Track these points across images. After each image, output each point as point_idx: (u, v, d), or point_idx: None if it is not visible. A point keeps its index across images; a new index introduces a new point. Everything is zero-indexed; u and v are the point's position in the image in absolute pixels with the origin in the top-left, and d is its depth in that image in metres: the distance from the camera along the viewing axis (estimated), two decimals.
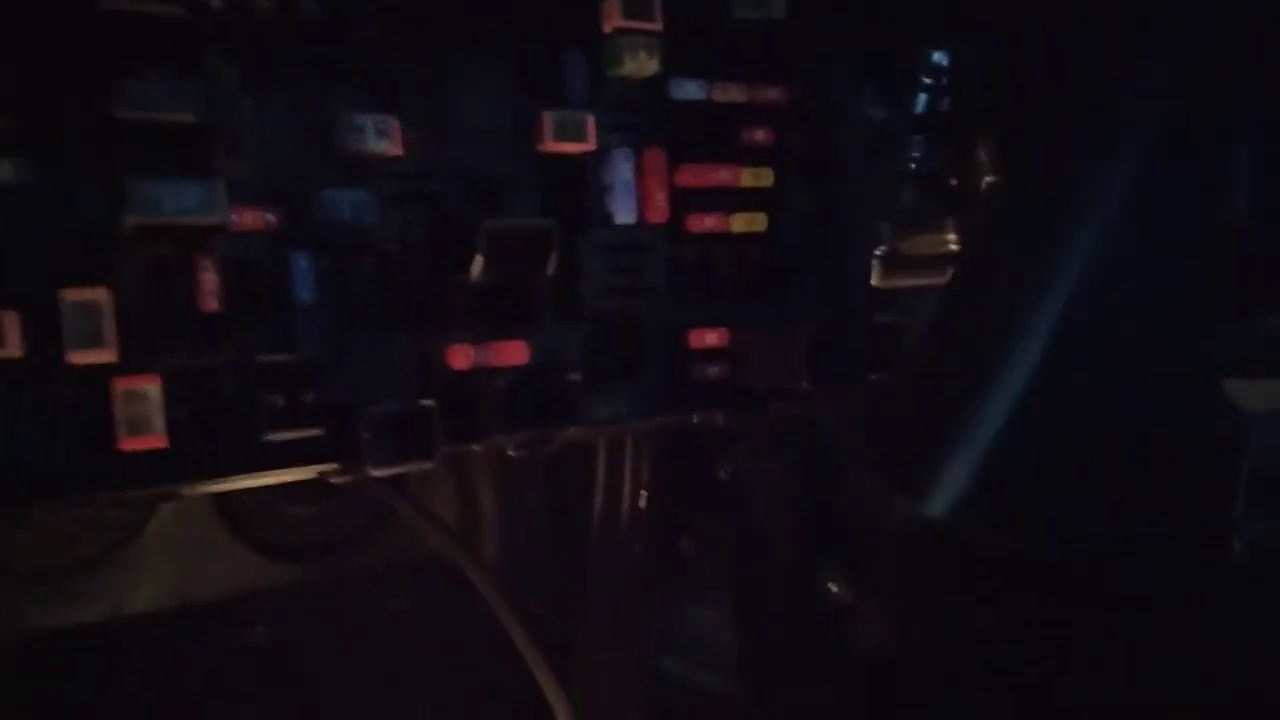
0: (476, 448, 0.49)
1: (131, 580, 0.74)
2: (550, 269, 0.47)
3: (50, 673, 0.73)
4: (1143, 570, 0.52)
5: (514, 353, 0.49)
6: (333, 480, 0.46)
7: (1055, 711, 0.60)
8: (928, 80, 0.69)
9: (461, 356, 0.47)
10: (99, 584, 0.73)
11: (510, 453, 0.50)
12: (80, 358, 0.39)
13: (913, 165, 0.68)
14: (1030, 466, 0.48)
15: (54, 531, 0.71)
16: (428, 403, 0.43)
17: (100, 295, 0.39)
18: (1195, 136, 0.55)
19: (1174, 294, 0.54)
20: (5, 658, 0.71)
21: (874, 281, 0.66)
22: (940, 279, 0.67)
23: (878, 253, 0.66)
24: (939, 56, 0.68)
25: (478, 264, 0.44)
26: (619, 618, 0.88)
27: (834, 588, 0.78)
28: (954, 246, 0.68)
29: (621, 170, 0.52)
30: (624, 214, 0.52)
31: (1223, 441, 0.51)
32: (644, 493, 0.87)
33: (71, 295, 0.38)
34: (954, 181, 0.69)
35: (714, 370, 0.55)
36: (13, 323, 0.38)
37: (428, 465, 0.42)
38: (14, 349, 0.38)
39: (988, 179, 0.67)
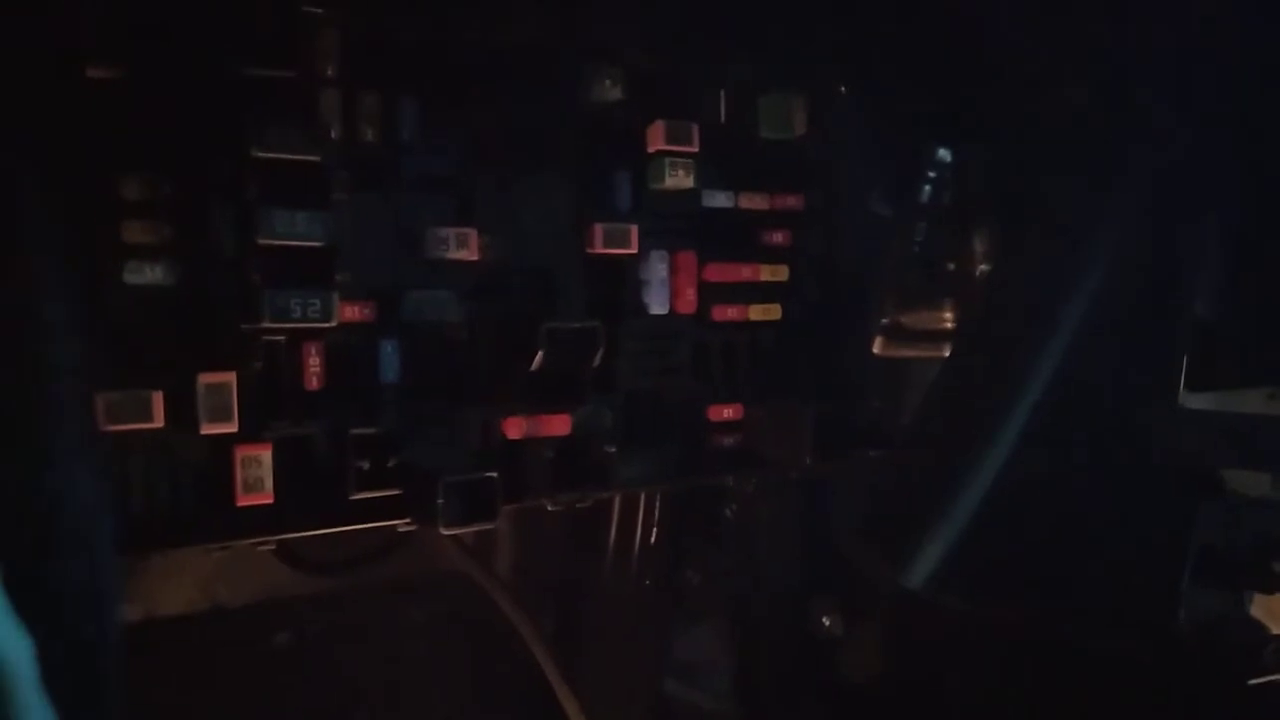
0: (524, 506, 0.56)
1: (166, 585, 0.79)
2: (596, 361, 0.55)
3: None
4: (1094, 632, 0.58)
5: (559, 425, 0.56)
6: (402, 529, 0.54)
7: None
8: (932, 174, 0.76)
9: (515, 427, 0.55)
10: (136, 588, 0.78)
11: (550, 509, 0.58)
12: (210, 429, 0.47)
13: (915, 249, 0.75)
14: (997, 545, 0.54)
15: None
16: (492, 474, 0.50)
17: (229, 379, 0.47)
18: (1163, 239, 0.61)
19: (1137, 384, 0.61)
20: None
21: (876, 350, 0.74)
22: (936, 352, 0.75)
23: (882, 323, 0.73)
24: (943, 153, 0.76)
25: (538, 358, 0.52)
26: (626, 642, 0.93)
27: (827, 621, 0.85)
28: (949, 324, 0.76)
29: (658, 269, 0.60)
30: (658, 306, 0.60)
31: (1171, 523, 0.58)
32: (654, 529, 0.93)
33: (206, 379, 0.46)
34: (951, 265, 0.76)
35: (729, 440, 0.63)
36: (158, 401, 0.45)
37: (490, 525, 0.50)
38: (158, 421, 0.46)
39: (981, 267, 0.74)
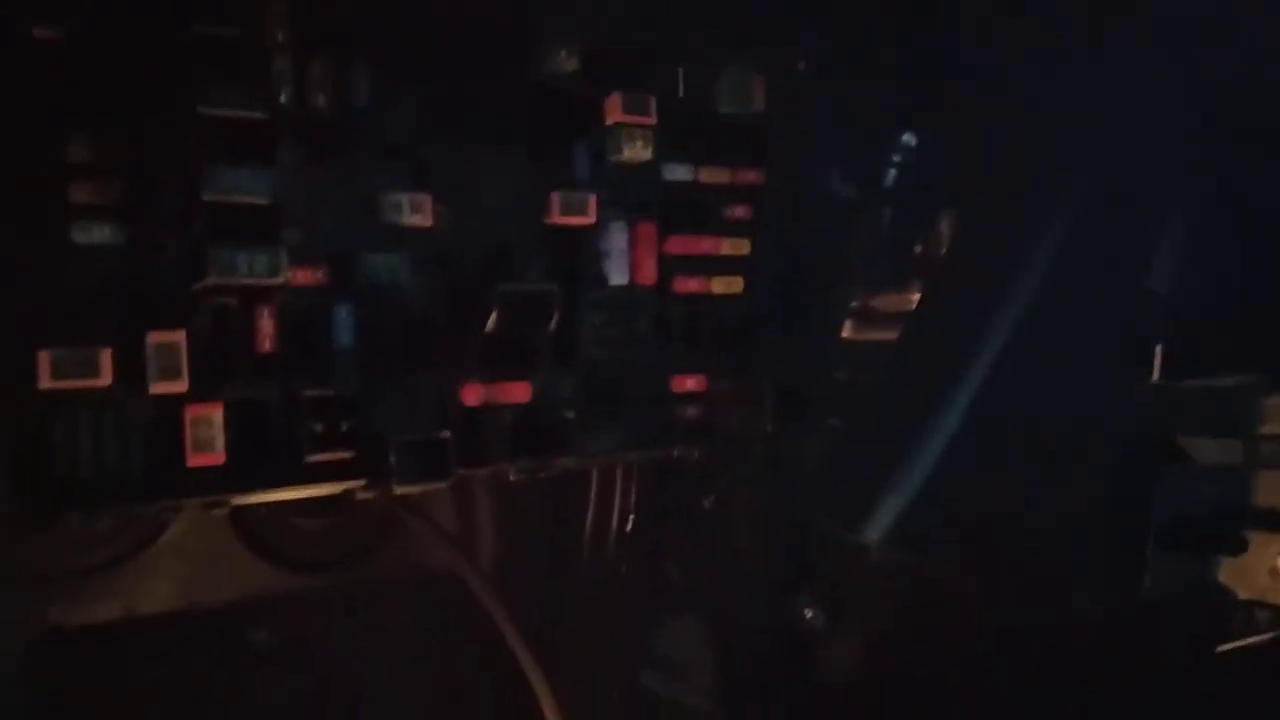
0: (483, 473, 0.56)
1: (145, 583, 0.79)
2: (552, 325, 0.55)
3: (67, 668, 0.77)
4: (1057, 600, 0.58)
5: (518, 392, 0.57)
6: (359, 496, 0.54)
7: None
8: (896, 157, 0.77)
9: (473, 394, 0.55)
10: (113, 585, 0.78)
11: (511, 478, 0.58)
12: (159, 388, 0.47)
13: (881, 232, 0.76)
14: (954, 505, 0.54)
15: (74, 536, 0.76)
16: (445, 434, 0.50)
17: (179, 337, 0.47)
18: (1126, 214, 0.62)
19: (1103, 353, 0.61)
20: (27, 652, 0.76)
21: (845, 334, 0.74)
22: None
23: (850, 307, 0.73)
24: (907, 137, 0.76)
25: (492, 320, 0.52)
26: (604, 634, 0.93)
27: (808, 613, 0.84)
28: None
29: (617, 240, 0.60)
30: (618, 276, 0.60)
31: (1133, 488, 0.58)
32: (631, 518, 0.93)
33: (156, 337, 0.46)
34: (918, 248, 0.76)
35: (692, 411, 0.63)
36: (106, 358, 0.46)
37: (443, 485, 0.50)
38: (106, 379, 0.46)
39: (947, 248, 0.75)
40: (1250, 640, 0.57)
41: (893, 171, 0.76)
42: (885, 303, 0.76)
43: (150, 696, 0.78)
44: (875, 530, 0.53)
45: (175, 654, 0.79)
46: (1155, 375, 0.61)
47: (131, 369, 0.46)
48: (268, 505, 0.82)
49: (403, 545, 0.89)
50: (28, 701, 0.74)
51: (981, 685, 0.67)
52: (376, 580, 0.88)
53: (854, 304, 0.74)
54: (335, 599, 0.87)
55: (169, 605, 0.79)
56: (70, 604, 0.76)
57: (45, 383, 0.44)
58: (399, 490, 0.49)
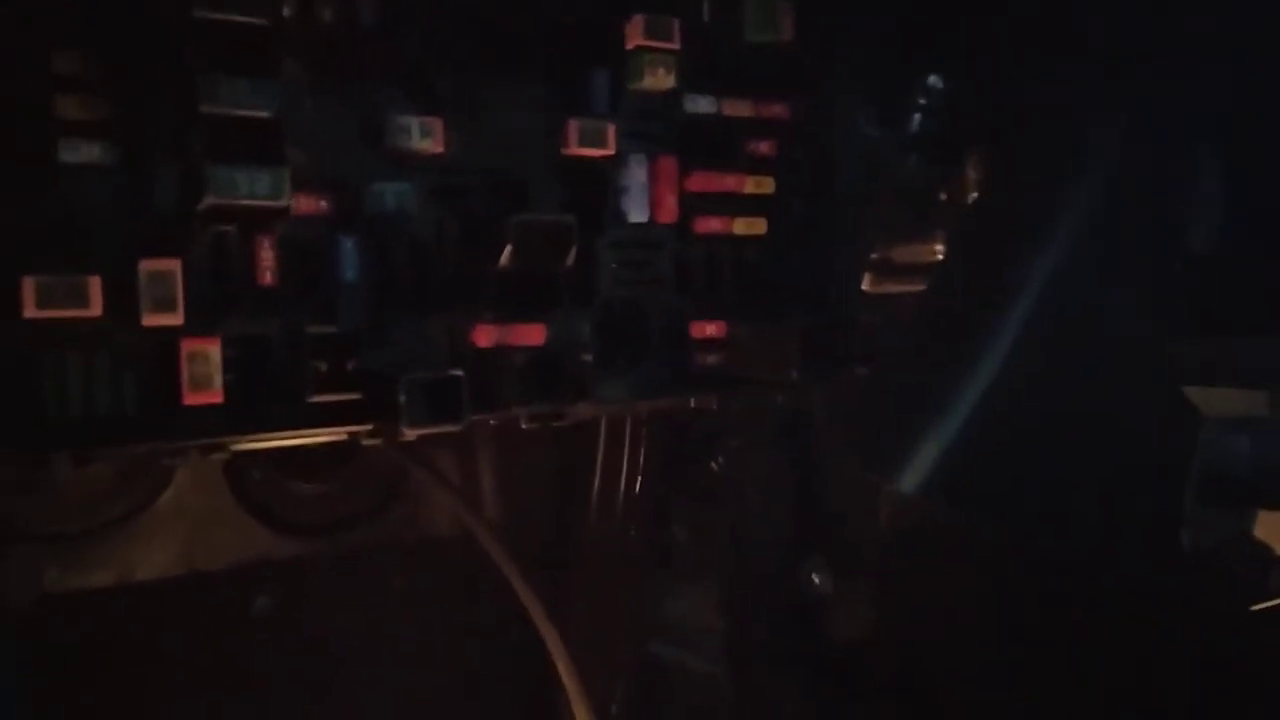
0: (494, 420, 0.54)
1: (143, 548, 0.77)
2: (569, 260, 0.52)
3: (61, 635, 0.76)
4: (1093, 557, 0.57)
5: (532, 334, 0.54)
6: (365, 441, 0.51)
7: (1021, 698, 0.64)
8: (923, 101, 0.73)
9: (485, 335, 0.52)
10: (109, 552, 0.76)
11: (524, 425, 0.55)
12: (152, 320, 0.44)
13: (906, 179, 0.73)
14: (991, 454, 0.52)
15: (70, 499, 0.74)
16: (457, 372, 0.48)
17: (173, 266, 0.44)
18: (1163, 166, 0.60)
19: (1136, 306, 0.59)
20: (20, 618, 0.75)
21: (865, 287, 0.71)
22: (927, 286, 0.72)
23: (872, 258, 0.71)
24: (934, 80, 0.73)
25: (506, 253, 0.49)
26: (611, 598, 0.92)
27: (817, 579, 0.83)
28: (940, 257, 0.73)
29: (636, 174, 0.57)
30: (637, 214, 0.57)
31: (1174, 441, 0.56)
32: (639, 479, 0.91)
33: (148, 265, 0.43)
34: (944, 196, 0.74)
35: (712, 358, 0.60)
36: (95, 286, 0.42)
37: (455, 428, 0.47)
38: (95, 309, 0.42)
39: (974, 195, 0.72)
40: None
41: (917, 116, 0.74)
42: (907, 254, 0.73)
43: (147, 663, 0.77)
44: (911, 480, 0.50)
45: (173, 620, 0.78)
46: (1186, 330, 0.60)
47: (123, 299, 0.43)
48: (266, 468, 0.81)
49: (406, 509, 0.87)
50: (21, 668, 0.72)
51: (1004, 646, 0.65)
52: (379, 544, 0.87)
53: (875, 254, 0.72)
54: (337, 564, 0.85)
55: (166, 571, 0.78)
56: (65, 569, 0.75)
57: (30, 311, 0.41)
58: (409, 432, 0.46)
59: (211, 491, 0.80)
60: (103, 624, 0.76)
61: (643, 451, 0.89)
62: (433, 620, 0.90)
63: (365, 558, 0.87)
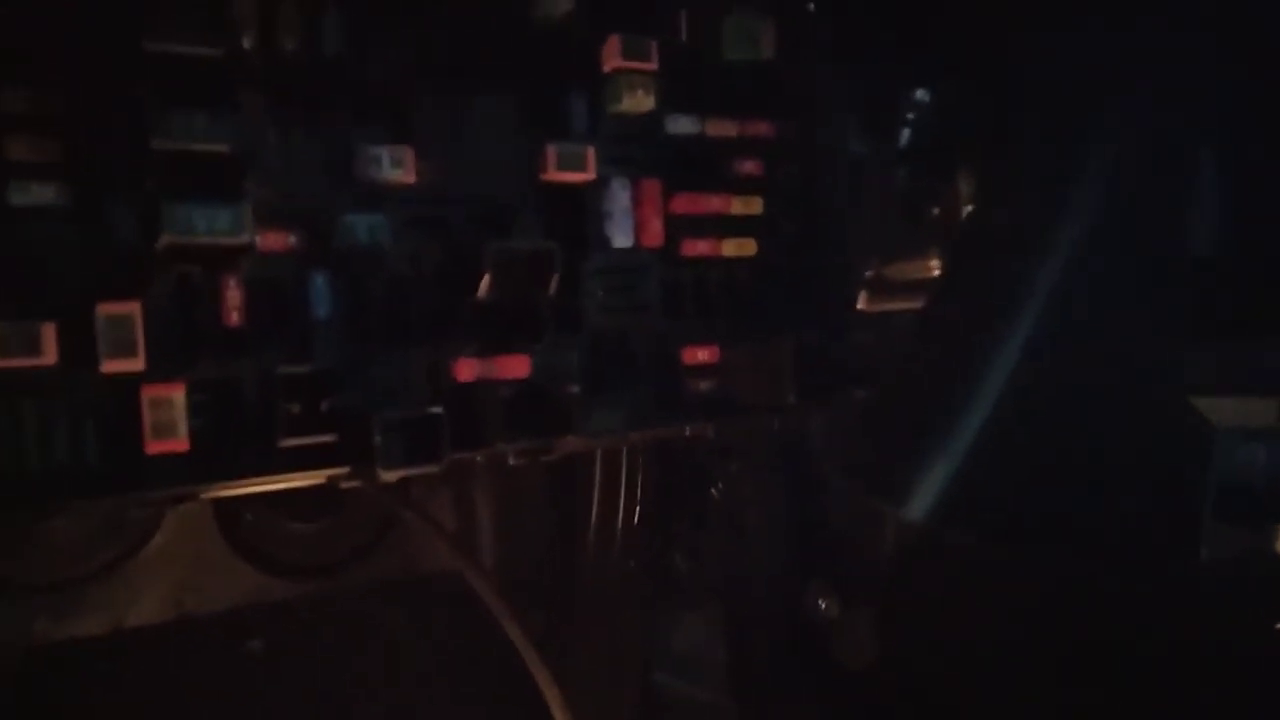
0: (479, 457, 0.51)
1: (132, 594, 0.75)
2: (552, 288, 0.50)
3: (52, 685, 0.73)
4: (1111, 572, 0.55)
5: (517, 366, 0.52)
6: (343, 485, 0.49)
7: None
8: (911, 116, 0.72)
9: (467, 369, 0.50)
10: (102, 598, 0.74)
11: (511, 461, 0.53)
12: (112, 366, 0.41)
13: (896, 195, 0.71)
14: (1003, 472, 0.50)
15: (57, 546, 0.72)
16: (436, 410, 0.45)
17: (133, 309, 0.42)
18: (1164, 170, 0.58)
19: (1142, 316, 0.57)
20: (8, 669, 0.73)
21: (860, 306, 0.69)
22: (922, 303, 0.71)
23: (865, 276, 0.69)
24: (921, 93, 0.72)
25: (485, 283, 0.47)
26: (612, 630, 0.89)
27: (822, 604, 0.80)
28: (936, 273, 0.71)
29: (619, 198, 0.55)
30: (621, 238, 0.55)
31: (1191, 453, 0.54)
32: (638, 508, 0.89)
33: (106, 309, 0.41)
34: (936, 211, 0.72)
35: (705, 384, 0.58)
36: (50, 333, 0.40)
37: (434, 469, 0.45)
38: (50, 357, 0.40)
39: (968, 209, 0.71)
40: None
41: (906, 130, 0.72)
42: (901, 270, 0.72)
43: (141, 712, 0.75)
44: (918, 504, 0.48)
45: (166, 667, 0.76)
46: (1192, 337, 0.58)
47: (80, 346, 0.41)
48: (258, 508, 0.80)
49: (399, 547, 0.85)
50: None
51: (1013, 670, 0.63)
52: (373, 584, 0.85)
53: (868, 271, 0.70)
54: (330, 604, 0.83)
55: (158, 616, 0.76)
56: (55, 618, 0.73)
57: None
58: (385, 475, 0.44)
59: (201, 535, 0.77)
60: (92, 672, 0.74)
61: (640, 479, 0.87)
62: (429, 659, 0.88)
63: (358, 597, 0.84)
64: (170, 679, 0.76)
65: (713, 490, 0.86)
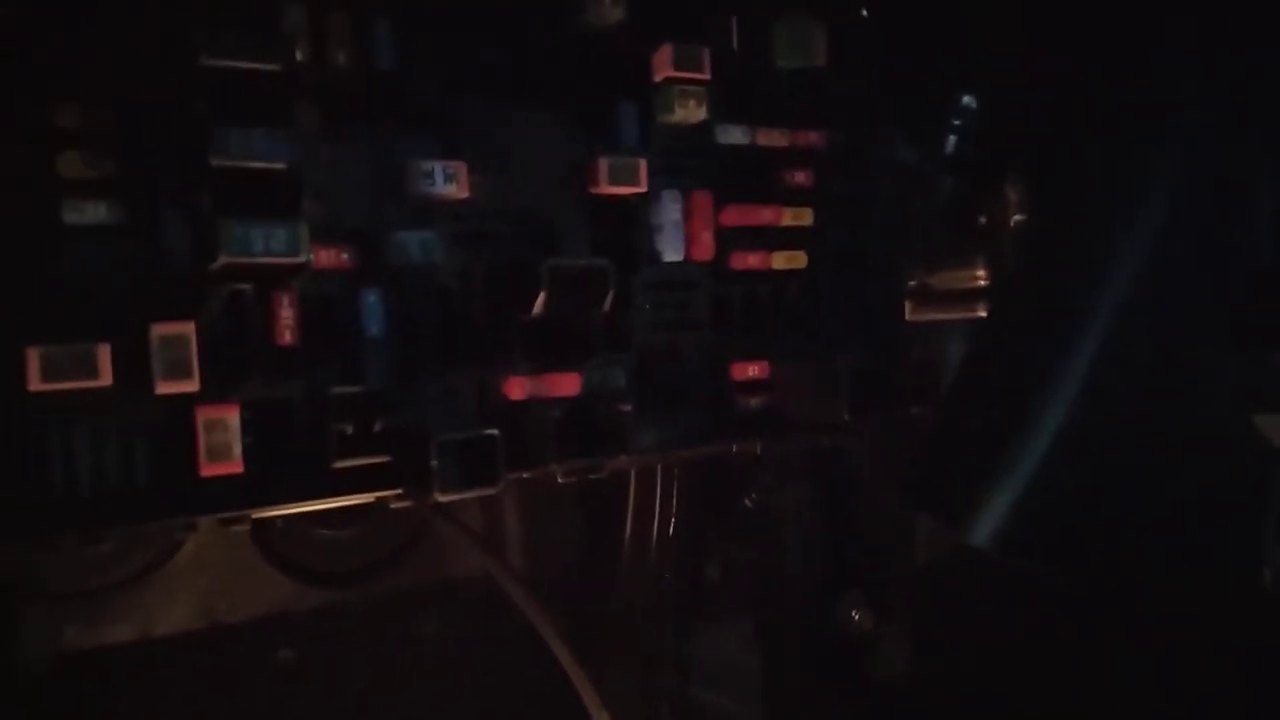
0: (528, 475, 0.51)
1: (163, 602, 0.75)
2: (606, 305, 0.49)
3: (82, 693, 0.74)
4: (1174, 598, 0.53)
5: (567, 384, 0.51)
6: (394, 505, 0.48)
7: None
8: (957, 122, 0.71)
9: (518, 388, 0.49)
10: (131, 606, 0.74)
11: (560, 480, 0.52)
12: (166, 387, 0.41)
13: (943, 204, 0.70)
14: (1066, 498, 0.49)
15: (88, 553, 0.72)
16: (492, 431, 0.44)
17: (187, 329, 0.41)
18: (1223, 181, 0.56)
19: (1203, 333, 0.56)
20: (38, 678, 0.72)
21: (906, 316, 0.68)
22: (969, 313, 0.69)
23: (910, 285, 0.68)
24: (968, 100, 0.70)
25: (539, 300, 0.46)
26: (645, 641, 0.89)
27: (855, 615, 0.79)
28: (982, 282, 0.70)
29: (670, 211, 0.54)
30: (672, 252, 0.54)
31: (1253, 474, 0.52)
32: (673, 520, 0.88)
33: (160, 329, 0.40)
34: (983, 219, 0.70)
35: (755, 401, 0.57)
36: (105, 355, 0.40)
37: (492, 491, 0.44)
38: (105, 379, 0.40)
39: (1016, 217, 0.69)
40: None
41: (953, 137, 0.71)
42: (948, 279, 0.70)
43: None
44: (985, 531, 0.47)
45: (196, 675, 0.76)
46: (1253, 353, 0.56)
47: (134, 367, 0.40)
48: (288, 516, 0.79)
49: (431, 553, 0.85)
50: None
51: (1049, 685, 0.61)
52: (405, 591, 0.84)
53: (913, 281, 0.69)
54: (363, 612, 0.83)
55: (189, 624, 0.76)
56: (85, 625, 0.73)
57: (35, 385, 0.38)
58: (443, 498, 0.43)
59: (232, 542, 0.77)
60: (122, 680, 0.74)
61: (675, 491, 0.86)
62: (461, 666, 0.87)
63: (394, 604, 0.84)
64: (200, 687, 0.76)
65: (747, 501, 0.85)
